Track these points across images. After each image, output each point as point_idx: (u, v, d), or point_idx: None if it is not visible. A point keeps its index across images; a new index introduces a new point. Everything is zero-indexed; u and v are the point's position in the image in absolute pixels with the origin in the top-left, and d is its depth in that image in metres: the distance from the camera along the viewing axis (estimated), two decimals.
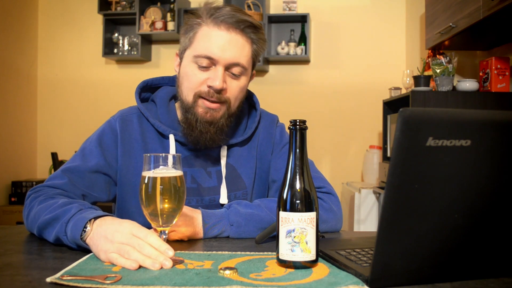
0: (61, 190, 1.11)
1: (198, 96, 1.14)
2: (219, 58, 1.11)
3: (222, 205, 1.21)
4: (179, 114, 1.23)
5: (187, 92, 1.16)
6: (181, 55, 1.20)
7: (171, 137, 1.20)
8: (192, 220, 1.03)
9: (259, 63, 3.78)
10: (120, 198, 1.21)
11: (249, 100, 1.33)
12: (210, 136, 1.15)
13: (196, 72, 1.13)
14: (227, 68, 1.13)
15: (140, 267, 0.79)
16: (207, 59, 1.11)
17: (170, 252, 0.82)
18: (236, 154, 1.25)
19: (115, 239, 0.84)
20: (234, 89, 1.15)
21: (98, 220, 0.90)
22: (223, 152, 1.23)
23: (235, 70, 1.13)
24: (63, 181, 1.12)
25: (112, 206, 1.30)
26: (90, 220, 0.90)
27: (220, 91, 1.12)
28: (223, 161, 1.22)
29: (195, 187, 1.20)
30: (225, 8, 1.13)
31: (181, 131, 1.19)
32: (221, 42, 1.11)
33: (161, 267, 0.79)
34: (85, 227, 0.90)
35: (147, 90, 1.31)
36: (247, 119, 1.30)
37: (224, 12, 1.11)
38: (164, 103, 1.24)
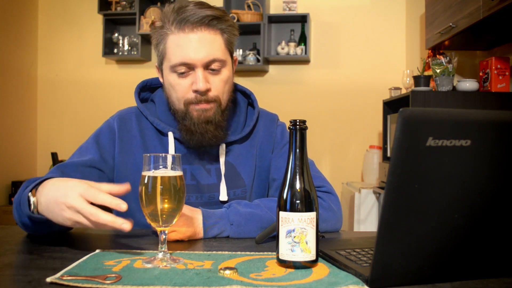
0: None
1: (188, 103, 1.15)
2: (195, 61, 1.12)
3: (222, 202, 1.21)
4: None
5: (178, 102, 1.17)
6: (160, 67, 1.21)
7: (170, 135, 1.21)
8: (193, 220, 1.04)
9: (259, 63, 3.78)
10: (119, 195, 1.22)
11: (247, 99, 1.34)
12: (212, 135, 1.17)
13: (179, 81, 1.15)
14: (206, 66, 1.14)
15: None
16: (183, 65, 1.13)
17: (123, 206, 0.83)
18: (235, 152, 1.26)
19: (67, 202, 0.84)
20: (218, 85, 1.16)
21: (39, 187, 0.92)
22: (222, 150, 1.23)
23: (214, 65, 1.14)
24: (55, 175, 1.13)
25: None
26: (31, 190, 0.92)
27: (205, 93, 1.13)
28: (222, 159, 1.23)
29: (194, 184, 1.21)
30: (186, 7, 1.12)
31: (182, 136, 1.20)
32: (192, 45, 1.11)
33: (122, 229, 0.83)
34: (29, 200, 0.92)
35: (146, 90, 1.33)
36: (245, 117, 1.30)
37: (185, 13, 1.11)
38: (163, 102, 1.25)
